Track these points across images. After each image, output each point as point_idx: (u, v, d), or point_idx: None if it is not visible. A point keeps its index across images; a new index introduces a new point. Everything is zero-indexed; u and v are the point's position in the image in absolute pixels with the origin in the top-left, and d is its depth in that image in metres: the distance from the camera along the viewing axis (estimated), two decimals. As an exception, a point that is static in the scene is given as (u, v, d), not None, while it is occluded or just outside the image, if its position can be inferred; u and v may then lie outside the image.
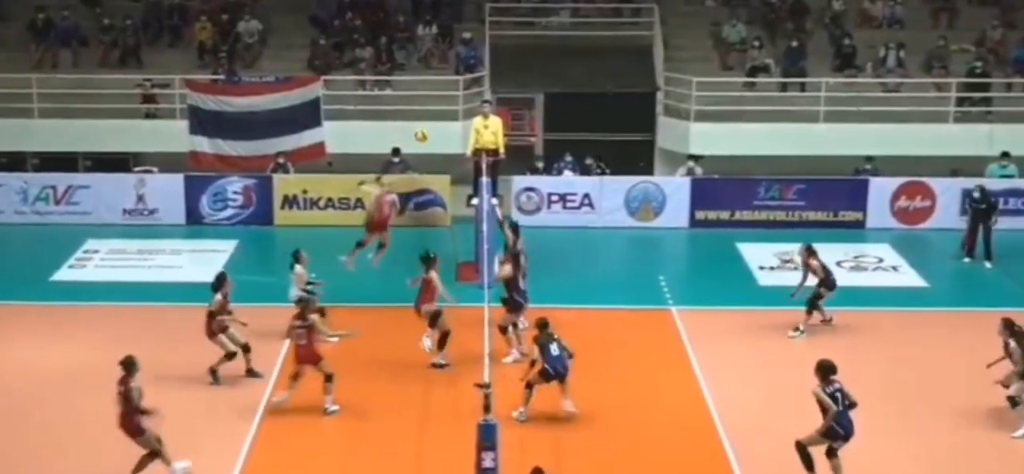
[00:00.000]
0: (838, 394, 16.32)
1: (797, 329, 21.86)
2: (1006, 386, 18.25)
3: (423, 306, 20.32)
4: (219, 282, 19.95)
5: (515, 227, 22.30)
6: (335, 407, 18.65)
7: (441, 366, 20.23)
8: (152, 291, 24.24)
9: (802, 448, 16.47)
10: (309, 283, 21.55)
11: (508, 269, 21.04)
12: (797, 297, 22.16)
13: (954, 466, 17.46)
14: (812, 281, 22.19)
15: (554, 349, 18.17)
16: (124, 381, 16.55)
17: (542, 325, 18.38)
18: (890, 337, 22.09)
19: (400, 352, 20.59)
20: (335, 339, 20.04)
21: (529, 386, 18.22)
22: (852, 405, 16.28)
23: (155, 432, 16.60)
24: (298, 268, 21.56)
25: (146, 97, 31.21)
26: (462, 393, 18.23)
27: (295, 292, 20.88)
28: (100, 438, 17.44)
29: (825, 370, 16.49)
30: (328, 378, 18.68)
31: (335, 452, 17.70)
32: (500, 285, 21.27)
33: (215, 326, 19.73)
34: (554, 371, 18.13)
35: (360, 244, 24.54)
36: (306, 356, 18.62)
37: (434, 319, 20.25)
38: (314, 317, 18.86)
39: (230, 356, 19.75)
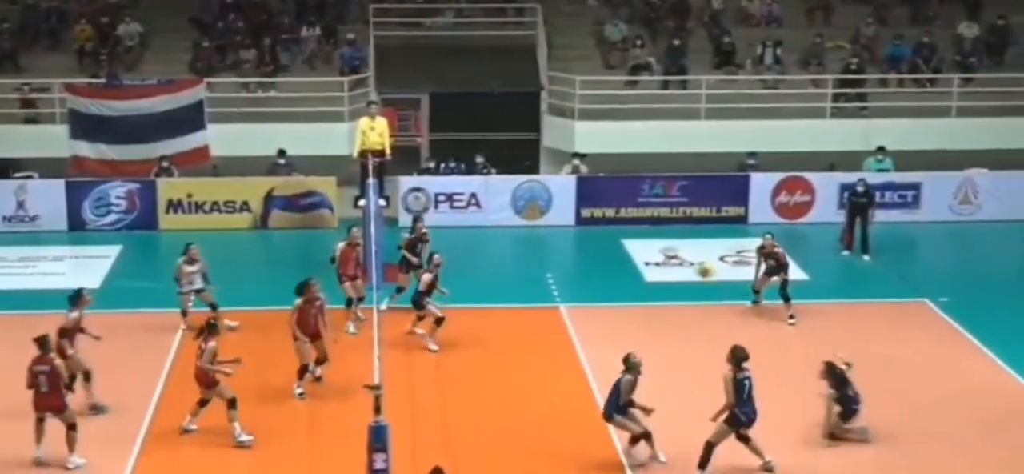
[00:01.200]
0: (747, 381, 16.79)
1: (791, 317, 22.76)
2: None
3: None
4: (76, 297, 19.13)
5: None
6: (246, 438, 17.90)
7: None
8: (34, 299, 23.83)
9: (710, 447, 16.86)
10: (199, 289, 21.37)
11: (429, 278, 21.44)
12: (762, 290, 23.16)
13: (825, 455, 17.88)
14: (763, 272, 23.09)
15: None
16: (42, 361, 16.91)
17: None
18: (773, 328, 22.51)
19: (285, 356, 20.51)
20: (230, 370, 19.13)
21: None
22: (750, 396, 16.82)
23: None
24: (180, 261, 21.56)
25: (25, 101, 30.68)
26: (352, 395, 18.25)
27: (182, 286, 21.08)
28: (14, 433, 17.27)
29: (738, 357, 16.90)
30: (230, 405, 17.92)
31: (224, 459, 17.59)
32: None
33: (64, 345, 18.46)
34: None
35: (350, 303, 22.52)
36: (202, 379, 18.06)
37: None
38: (211, 344, 17.86)
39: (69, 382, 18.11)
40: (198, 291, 21.79)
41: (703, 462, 16.97)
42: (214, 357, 17.77)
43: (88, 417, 18.25)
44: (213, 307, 21.58)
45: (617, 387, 17.12)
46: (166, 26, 33.53)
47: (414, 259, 22.77)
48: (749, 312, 23.13)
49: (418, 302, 21.35)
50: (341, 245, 22.40)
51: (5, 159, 30.34)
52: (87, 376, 18.73)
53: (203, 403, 18.09)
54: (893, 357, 21.17)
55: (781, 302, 22.79)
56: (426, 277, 21.43)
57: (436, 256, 21.85)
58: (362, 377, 16.94)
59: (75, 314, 18.61)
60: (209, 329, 17.95)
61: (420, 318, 21.44)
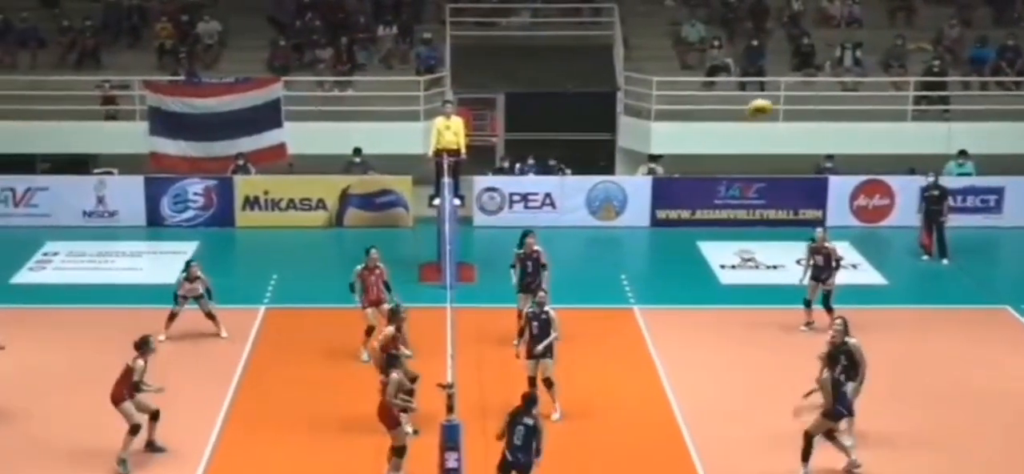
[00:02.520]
0: (842, 377, 16.90)
1: (808, 323, 22.28)
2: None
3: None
4: (143, 343, 17.48)
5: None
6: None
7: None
8: (112, 293, 24.11)
9: (809, 438, 16.76)
10: (199, 296, 21.40)
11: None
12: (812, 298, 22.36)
13: (916, 459, 17.58)
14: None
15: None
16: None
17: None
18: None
19: (359, 354, 20.57)
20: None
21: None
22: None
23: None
24: (181, 277, 21.56)
25: (106, 98, 31.03)
26: (424, 394, 18.21)
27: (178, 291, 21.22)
28: (64, 438, 17.41)
29: (834, 359, 17.13)
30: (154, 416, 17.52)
31: (297, 456, 17.64)
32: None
33: (128, 392, 17.20)
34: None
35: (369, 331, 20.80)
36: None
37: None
38: (394, 375, 16.89)
39: (135, 430, 17.15)
40: (198, 297, 21.52)
41: (805, 454, 16.79)
42: (397, 389, 16.54)
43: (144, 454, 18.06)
44: (210, 316, 21.51)
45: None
46: (244, 25, 33.78)
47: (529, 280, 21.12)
48: (822, 316, 22.80)
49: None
50: (359, 269, 21.06)
51: (86, 155, 30.71)
52: (154, 416, 17.61)
53: (399, 451, 16.63)
54: (971, 363, 20.80)
55: (823, 309, 22.06)
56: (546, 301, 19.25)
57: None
58: (434, 376, 16.96)
59: (141, 362, 17.39)
60: (143, 346, 17.16)
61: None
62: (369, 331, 20.46)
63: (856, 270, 26.24)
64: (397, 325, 17.97)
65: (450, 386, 15.48)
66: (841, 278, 25.50)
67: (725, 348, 21.63)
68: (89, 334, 21.35)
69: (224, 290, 23.11)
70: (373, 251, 21.20)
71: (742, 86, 32.05)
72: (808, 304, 22.28)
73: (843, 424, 17.02)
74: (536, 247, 21.39)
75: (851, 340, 17.77)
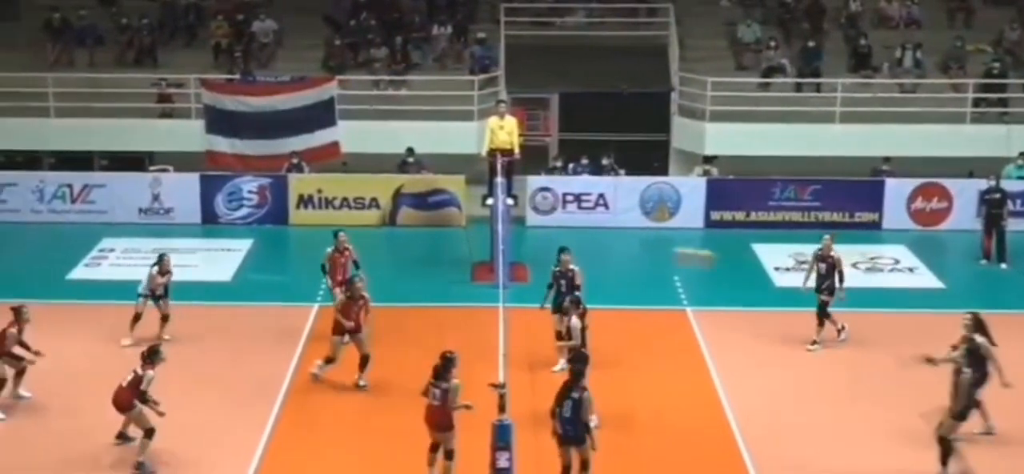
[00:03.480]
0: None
1: (814, 343, 21.42)
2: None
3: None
4: (152, 354, 17.37)
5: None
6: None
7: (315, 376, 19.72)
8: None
9: (945, 442, 16.50)
10: (159, 297, 21.21)
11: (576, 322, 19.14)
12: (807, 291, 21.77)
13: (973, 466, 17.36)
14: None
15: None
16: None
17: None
18: (907, 339, 21.95)
19: (410, 354, 20.55)
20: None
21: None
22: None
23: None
24: (153, 270, 21.34)
25: (162, 96, 31.26)
26: (477, 393, 18.18)
27: (142, 288, 21.01)
28: (110, 433, 17.51)
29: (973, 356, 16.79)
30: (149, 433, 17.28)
31: (351, 455, 17.65)
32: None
33: (137, 398, 17.08)
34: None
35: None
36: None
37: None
38: (151, 372, 17.20)
39: (150, 434, 17.11)
40: (158, 299, 21.31)
41: (944, 458, 16.56)
42: (455, 396, 16.15)
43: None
44: (165, 318, 21.26)
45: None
46: (300, 24, 33.93)
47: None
48: (879, 320, 22.62)
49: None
50: (329, 251, 21.67)
51: (142, 153, 30.94)
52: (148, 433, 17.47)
53: (435, 448, 16.51)
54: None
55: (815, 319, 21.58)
56: (576, 321, 19.17)
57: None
58: (486, 376, 16.93)
59: (151, 372, 17.21)
60: (152, 356, 17.15)
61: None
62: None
63: (913, 274, 26.00)
64: (352, 294, 19.40)
65: (502, 386, 15.46)
66: (899, 282, 25.39)
67: (779, 351, 21.44)
68: (143, 331, 21.44)
69: (277, 288, 23.22)
70: (341, 234, 22.00)
71: (798, 87, 31.83)
72: (825, 316, 21.48)
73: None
74: (571, 265, 20.72)
75: (979, 338, 17.56)
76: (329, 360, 19.61)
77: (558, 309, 20.17)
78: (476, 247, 26.26)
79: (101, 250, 26.99)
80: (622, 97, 31.15)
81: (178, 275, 25.01)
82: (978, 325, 17.46)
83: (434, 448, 16.40)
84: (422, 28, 33.39)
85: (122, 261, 26.44)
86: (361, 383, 19.61)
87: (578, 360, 16.02)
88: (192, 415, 18.21)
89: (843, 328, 21.49)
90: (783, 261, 26.50)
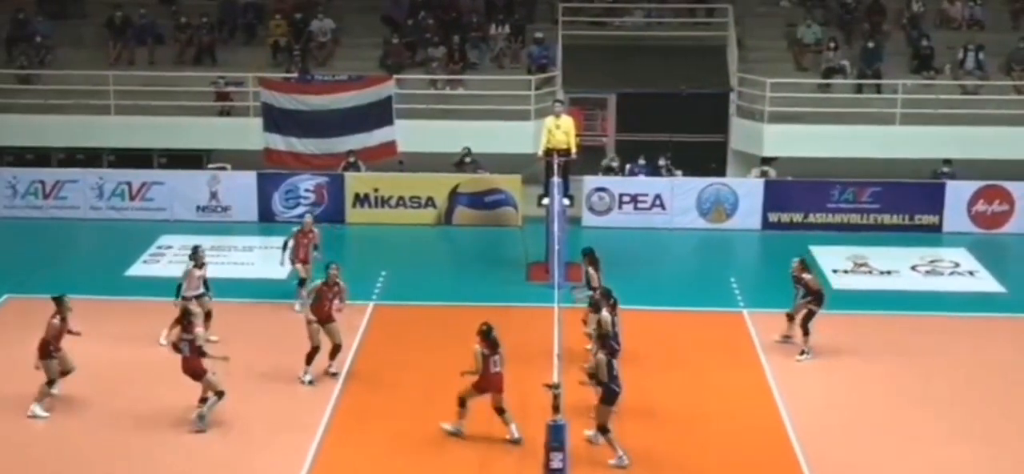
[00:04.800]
0: None
1: (802, 353, 21.03)
2: None
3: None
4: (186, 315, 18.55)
5: (593, 257, 21.60)
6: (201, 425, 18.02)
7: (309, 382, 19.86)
8: (224, 287, 24.30)
9: None
10: (200, 295, 21.22)
11: (606, 315, 19.13)
12: (795, 318, 21.43)
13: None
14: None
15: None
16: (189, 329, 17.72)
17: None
18: (966, 343, 21.72)
19: (466, 353, 20.54)
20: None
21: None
22: None
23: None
24: (190, 266, 21.36)
25: (220, 95, 31.45)
26: (531, 393, 18.15)
27: (185, 290, 20.95)
28: (174, 429, 17.62)
29: None
30: (219, 395, 18.05)
31: (403, 451, 17.65)
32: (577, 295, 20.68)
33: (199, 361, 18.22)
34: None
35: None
36: (188, 368, 18.06)
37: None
38: (199, 330, 18.33)
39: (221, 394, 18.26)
40: (198, 296, 21.26)
41: None
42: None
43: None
44: (208, 315, 21.23)
45: None
46: (357, 23, 34.03)
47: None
48: (939, 323, 22.36)
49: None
50: (295, 231, 23.21)
51: (200, 150, 31.15)
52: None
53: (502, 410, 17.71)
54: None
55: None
56: (606, 315, 19.22)
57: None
58: (540, 375, 16.89)
59: (201, 330, 18.35)
60: (186, 318, 18.10)
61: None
62: (300, 282, 22.69)
63: (973, 277, 25.68)
64: (327, 281, 19.85)
65: (557, 386, 15.42)
66: (959, 285, 25.08)
67: (836, 355, 21.23)
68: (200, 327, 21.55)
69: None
70: (308, 218, 23.57)
71: (858, 88, 31.54)
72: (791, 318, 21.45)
73: None
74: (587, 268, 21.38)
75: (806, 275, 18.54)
76: (313, 353, 19.87)
77: (592, 306, 20.07)
78: (532, 247, 26.21)
79: (159, 247, 27.20)
80: (680, 97, 30.98)
81: (235, 272, 25.34)
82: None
83: (500, 410, 17.57)
84: (479, 28, 33.38)
85: (180, 258, 26.44)
86: (332, 370, 19.92)
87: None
88: (246, 412, 18.29)
89: (805, 353, 21.03)
90: (841, 264, 26.27)
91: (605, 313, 19.15)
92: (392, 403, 19.06)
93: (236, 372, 18.90)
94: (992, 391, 18.91)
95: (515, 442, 17.48)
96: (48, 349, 18.61)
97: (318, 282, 20.31)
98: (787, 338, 21.43)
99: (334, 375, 19.95)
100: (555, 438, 15.01)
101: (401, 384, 19.70)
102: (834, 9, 33.90)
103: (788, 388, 19.66)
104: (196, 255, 21.46)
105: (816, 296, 21.07)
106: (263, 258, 26.55)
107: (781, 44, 33.25)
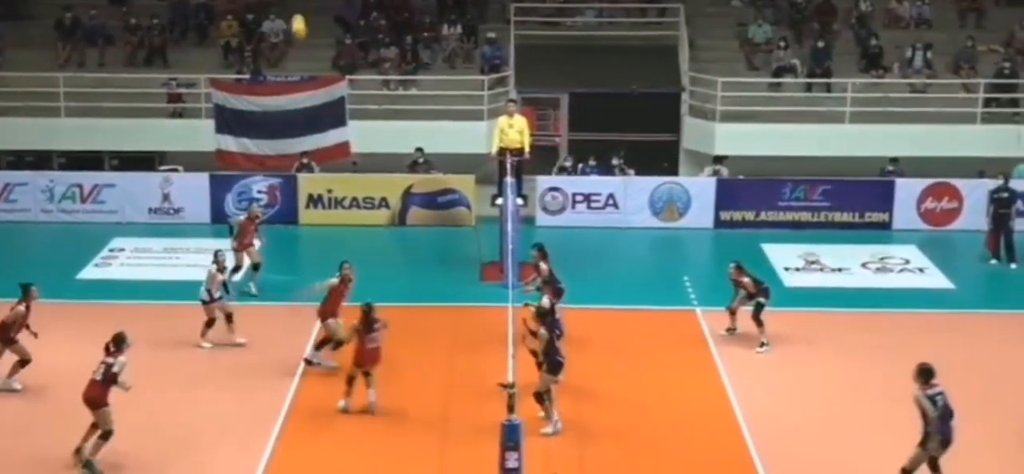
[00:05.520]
0: (939, 398, 15.85)
1: (762, 345, 21.31)
2: None
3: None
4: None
5: (542, 251, 21.81)
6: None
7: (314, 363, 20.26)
8: (177, 290, 24.26)
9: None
10: (219, 298, 21.34)
11: (547, 300, 19.46)
12: (735, 311, 21.86)
13: (980, 469, 17.31)
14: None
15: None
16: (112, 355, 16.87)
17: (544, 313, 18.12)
18: (916, 338, 21.92)
19: (420, 353, 20.58)
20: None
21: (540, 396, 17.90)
22: (949, 414, 15.84)
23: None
24: (212, 269, 21.40)
25: (172, 96, 31.30)
26: (486, 393, 18.20)
27: (203, 293, 21.03)
28: (125, 434, 17.51)
29: (925, 374, 15.88)
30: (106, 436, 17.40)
31: (359, 452, 17.66)
32: (535, 294, 20.78)
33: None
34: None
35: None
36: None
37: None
38: (122, 358, 17.60)
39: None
40: (218, 300, 21.41)
41: None
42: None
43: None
44: (229, 317, 21.37)
45: None
46: (310, 23, 33.83)
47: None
48: (889, 320, 22.58)
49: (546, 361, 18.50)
50: (242, 218, 24.40)
51: (152, 152, 31.00)
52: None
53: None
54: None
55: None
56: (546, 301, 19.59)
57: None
58: (495, 375, 16.94)
59: (122, 359, 17.53)
60: (117, 343, 17.25)
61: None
62: (255, 267, 23.89)
63: (923, 274, 25.95)
64: (343, 277, 20.45)
65: (511, 386, 15.46)
66: (909, 282, 25.35)
67: (789, 351, 21.42)
68: (153, 330, 21.46)
69: (288, 287, 23.21)
70: (255, 205, 24.92)
71: (808, 87, 31.81)
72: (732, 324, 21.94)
73: None
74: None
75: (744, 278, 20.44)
76: (338, 344, 19.91)
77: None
78: (486, 247, 26.26)
79: (111, 250, 27.05)
80: (632, 97, 31.15)
81: (188, 274, 25.19)
82: None
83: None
84: (432, 28, 33.40)
85: (132, 261, 26.51)
86: (313, 359, 20.27)
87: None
88: (197, 414, 18.25)
89: (764, 345, 21.34)
90: (793, 261, 26.48)
91: (546, 299, 19.41)
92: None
93: (192, 373, 18.84)
94: (942, 385, 19.06)
95: (371, 408, 18.42)
96: (7, 335, 18.55)
97: (331, 280, 20.46)
98: (731, 330, 21.74)
99: (312, 364, 20.17)
100: (510, 438, 15.03)
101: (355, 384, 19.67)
102: (784, 9, 34.17)
103: (741, 383, 19.81)
104: (217, 259, 21.53)
105: (759, 292, 21.38)
106: (216, 260, 26.43)
107: (732, 44, 33.47)
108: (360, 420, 18.47)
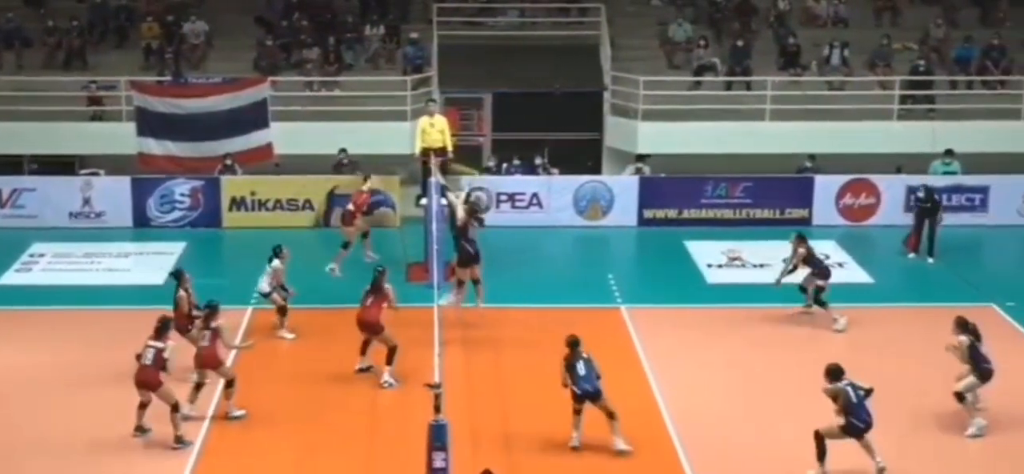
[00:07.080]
0: (849, 388, 16.72)
1: (835, 321, 22.35)
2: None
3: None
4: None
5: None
6: (239, 412, 18.52)
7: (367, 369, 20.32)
8: (99, 294, 24.07)
9: (819, 437, 16.82)
10: (283, 287, 21.47)
11: (462, 214, 22.09)
12: (780, 286, 22.80)
13: (906, 463, 17.60)
14: (802, 272, 22.76)
15: (581, 368, 17.59)
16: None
17: (573, 344, 17.80)
18: (834, 332, 22.30)
19: (345, 355, 20.56)
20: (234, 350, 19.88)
21: (577, 412, 17.77)
22: (868, 392, 16.85)
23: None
24: (276, 263, 21.57)
25: (92, 99, 30.98)
26: (411, 394, 18.24)
27: (264, 285, 21.28)
28: (49, 441, 17.38)
29: (833, 374, 16.84)
30: (229, 384, 18.56)
31: (285, 457, 17.60)
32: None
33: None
34: (582, 392, 17.57)
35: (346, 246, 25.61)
36: (207, 360, 18.45)
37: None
38: (221, 322, 18.61)
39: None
40: (266, 295, 21.88)
41: (820, 454, 16.87)
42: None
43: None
44: (281, 311, 21.76)
45: None
46: (231, 24, 33.75)
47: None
48: (808, 314, 22.89)
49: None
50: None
51: (72, 156, 30.66)
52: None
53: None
54: (957, 360, 20.81)
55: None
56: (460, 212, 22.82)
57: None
58: (421, 375, 16.98)
59: (171, 343, 18.24)
60: (163, 327, 18.09)
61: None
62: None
63: (842, 269, 26.23)
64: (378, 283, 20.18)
65: (437, 386, 15.48)
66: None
67: (712, 347, 21.66)
68: (76, 335, 21.30)
69: (211, 290, 23.04)
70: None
71: (728, 86, 32.12)
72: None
73: None
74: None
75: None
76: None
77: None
78: (411, 247, 26.27)
79: (31, 255, 26.71)
80: (555, 96, 31.29)
81: (110, 279, 25.01)
82: None
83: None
84: (354, 28, 33.32)
85: (53, 266, 26.20)
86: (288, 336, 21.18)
87: (574, 342, 17.78)
88: (127, 424, 18.11)
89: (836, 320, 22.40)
90: (715, 258, 26.75)
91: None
92: (271, 408, 18.98)
93: (114, 381, 18.69)
94: (861, 376, 19.39)
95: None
96: None
97: (275, 263, 21.21)
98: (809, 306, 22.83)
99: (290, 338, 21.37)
100: (437, 438, 15.08)
101: (279, 389, 19.63)
102: (704, 8, 34.46)
103: (667, 382, 19.98)
104: (278, 251, 21.94)
105: (820, 272, 22.63)
106: (138, 264, 26.27)
107: (653, 43, 33.70)
108: (286, 425, 18.41)
